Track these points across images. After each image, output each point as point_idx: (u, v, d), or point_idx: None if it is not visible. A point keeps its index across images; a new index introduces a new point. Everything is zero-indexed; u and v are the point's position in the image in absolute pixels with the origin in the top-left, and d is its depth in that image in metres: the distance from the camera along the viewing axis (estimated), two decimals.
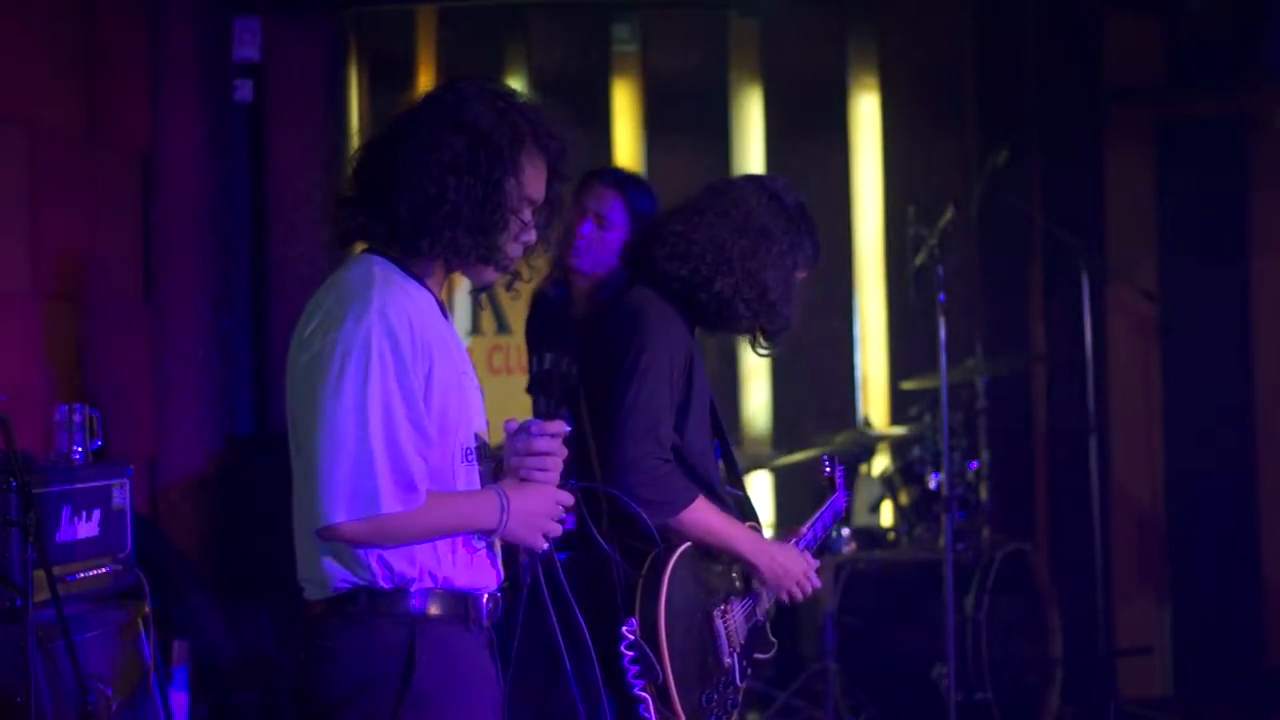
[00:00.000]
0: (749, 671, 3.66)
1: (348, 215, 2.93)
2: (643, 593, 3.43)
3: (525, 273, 3.02)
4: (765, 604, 3.71)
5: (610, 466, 3.45)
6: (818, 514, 3.95)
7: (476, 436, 2.93)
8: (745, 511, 3.77)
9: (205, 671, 5.51)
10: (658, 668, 3.38)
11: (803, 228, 3.72)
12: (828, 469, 4.11)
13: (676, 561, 3.48)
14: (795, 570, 3.67)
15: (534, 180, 2.93)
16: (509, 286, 3.05)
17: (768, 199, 3.69)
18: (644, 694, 3.36)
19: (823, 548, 6.41)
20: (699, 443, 3.64)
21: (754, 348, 3.79)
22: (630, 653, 3.36)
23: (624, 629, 3.32)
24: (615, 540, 3.44)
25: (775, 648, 3.77)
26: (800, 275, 3.74)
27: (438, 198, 2.84)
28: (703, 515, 3.52)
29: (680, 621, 3.47)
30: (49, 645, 3.81)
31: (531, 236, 2.95)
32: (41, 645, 3.75)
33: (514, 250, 2.94)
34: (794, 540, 3.81)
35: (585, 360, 3.73)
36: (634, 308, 3.61)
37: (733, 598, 3.61)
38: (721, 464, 3.78)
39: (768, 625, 3.73)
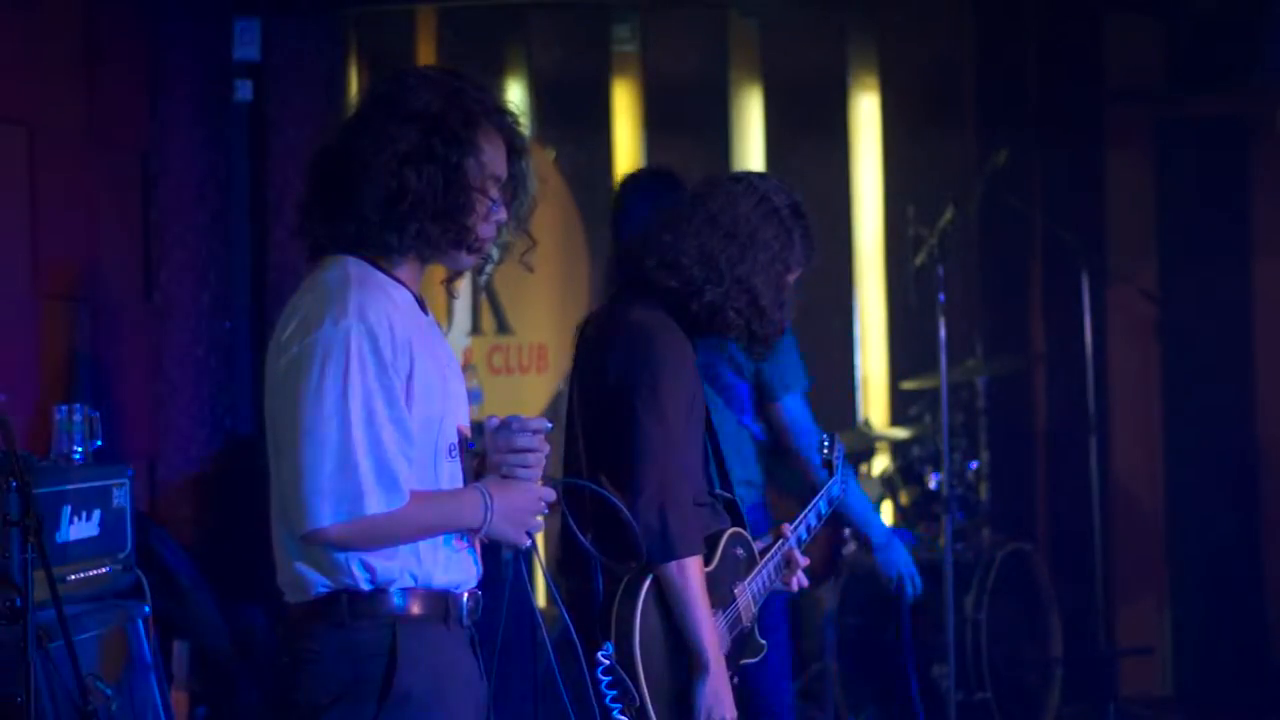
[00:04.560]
0: (735, 679, 3.63)
1: (313, 225, 2.92)
2: (617, 615, 3.39)
3: (495, 254, 3.00)
4: (750, 609, 3.67)
5: (634, 497, 3.39)
6: (810, 506, 3.91)
7: (459, 432, 2.93)
8: (733, 516, 3.74)
9: (205, 671, 5.51)
10: (634, 692, 3.36)
11: (794, 228, 3.64)
12: (827, 449, 4.03)
13: (652, 582, 3.44)
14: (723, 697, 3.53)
15: (494, 157, 2.90)
16: (480, 271, 3.03)
17: (757, 201, 3.62)
18: (622, 717, 3.34)
19: None
20: (694, 458, 3.60)
21: (748, 353, 3.76)
22: (606, 677, 3.33)
23: (599, 654, 3.29)
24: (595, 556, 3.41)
25: (765, 649, 3.73)
26: (792, 276, 3.68)
27: (400, 191, 2.82)
28: (695, 575, 3.45)
29: (657, 642, 3.43)
30: (49, 645, 3.80)
31: (503, 215, 2.93)
32: (41, 645, 3.75)
33: (486, 231, 2.92)
34: (782, 541, 3.77)
35: (581, 368, 3.68)
36: (642, 327, 3.55)
37: (715, 609, 3.55)
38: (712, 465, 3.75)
39: (755, 629, 3.69)
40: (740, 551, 3.68)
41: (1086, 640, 6.67)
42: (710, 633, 3.46)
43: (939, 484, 6.42)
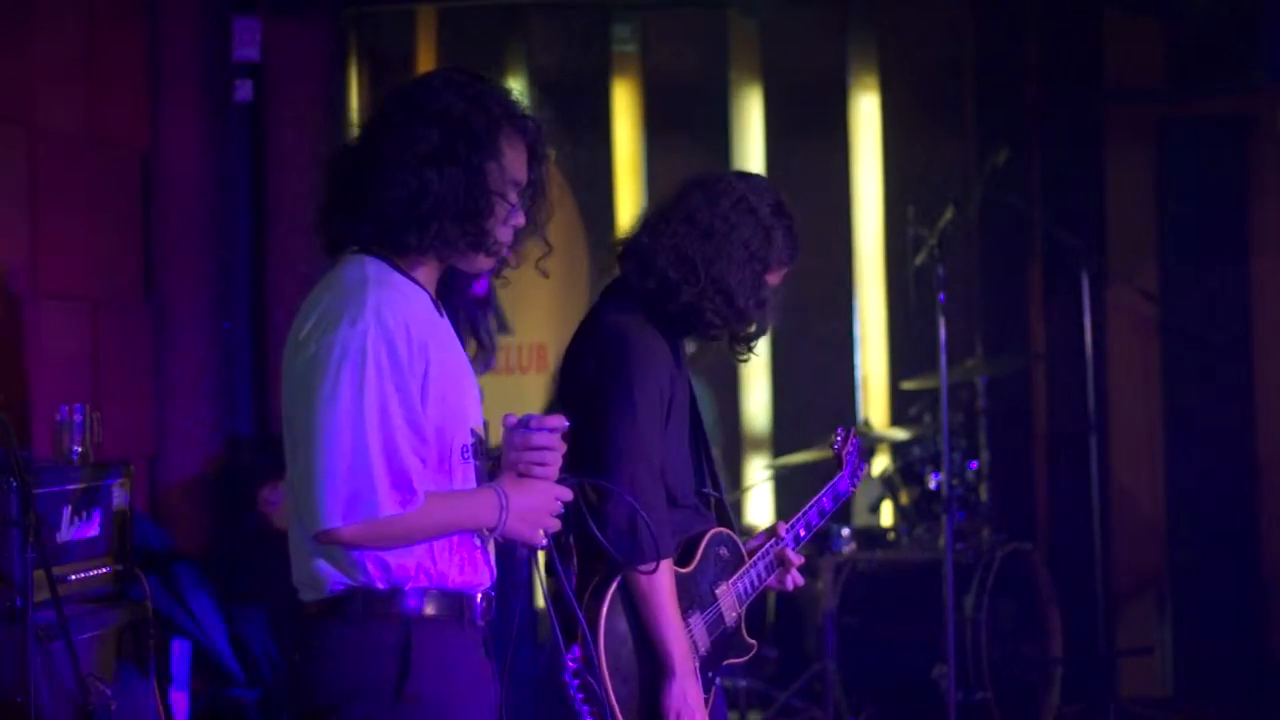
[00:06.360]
0: (716, 681, 3.61)
1: (332, 222, 2.92)
2: (584, 618, 3.37)
3: (513, 259, 3.00)
4: (734, 610, 3.65)
5: (604, 498, 3.38)
6: (812, 501, 3.87)
7: (473, 433, 2.93)
8: (721, 515, 3.72)
9: (205, 671, 5.52)
10: (601, 696, 3.36)
11: (774, 225, 3.61)
12: (839, 442, 3.97)
13: (619, 584, 3.43)
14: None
15: (515, 161, 2.91)
16: (496, 274, 3.03)
17: (735, 200, 3.60)
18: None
19: (823, 547, 6.46)
20: (677, 459, 3.60)
21: (731, 355, 3.73)
22: (574, 680, 3.33)
23: (566, 657, 3.30)
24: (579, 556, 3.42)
25: (754, 649, 3.70)
26: (775, 276, 3.65)
27: (420, 190, 2.83)
28: (661, 578, 3.43)
29: (625, 645, 3.43)
30: (49, 645, 3.80)
31: (520, 219, 2.94)
32: (41, 645, 3.75)
33: (504, 235, 2.92)
34: (775, 540, 3.75)
35: (561, 370, 3.69)
36: (616, 329, 3.55)
37: (692, 610, 3.55)
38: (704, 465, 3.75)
39: (741, 629, 3.67)
40: (724, 551, 3.66)
41: (1086, 640, 6.67)
42: (677, 636, 3.45)
43: (939, 484, 6.41)
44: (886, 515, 6.88)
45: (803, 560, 3.76)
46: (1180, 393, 7.32)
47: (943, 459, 6.17)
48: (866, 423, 7.10)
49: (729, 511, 3.75)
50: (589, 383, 3.52)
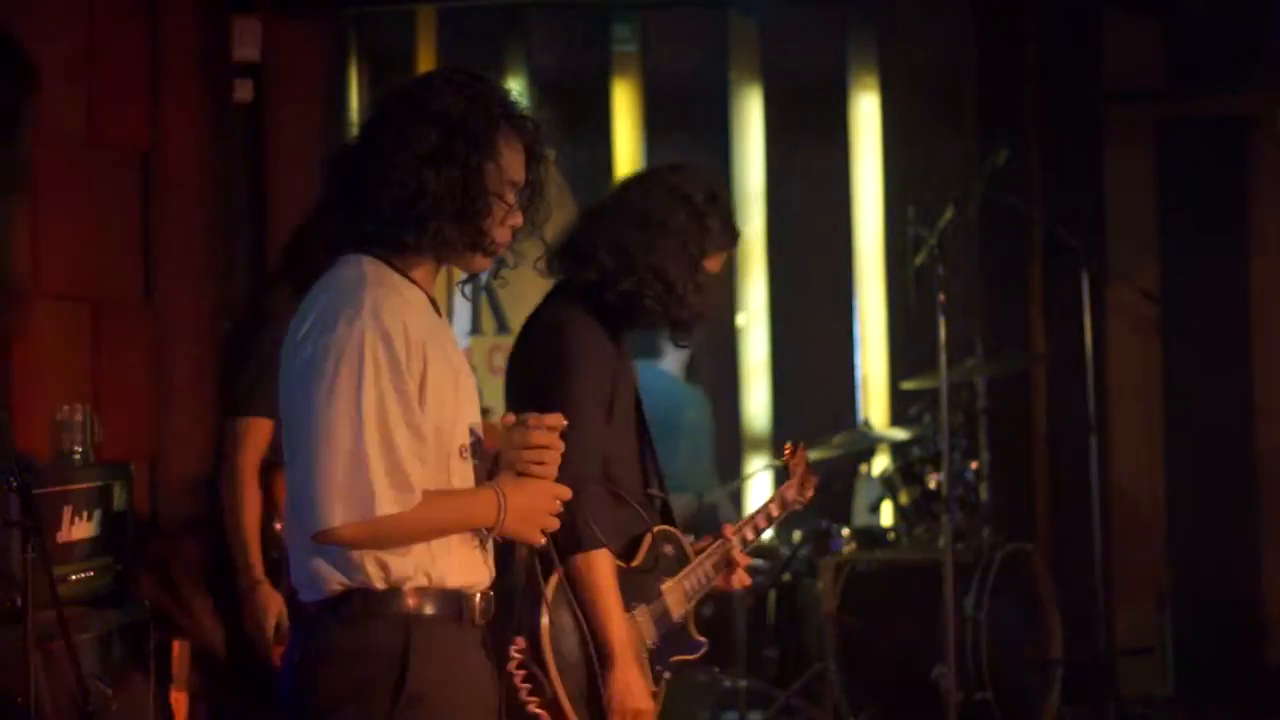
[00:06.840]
0: (666, 675, 3.64)
1: (332, 222, 2.93)
2: (526, 609, 3.40)
3: (510, 259, 3.02)
4: (681, 605, 3.69)
5: None
6: (759, 507, 3.93)
7: (472, 432, 2.93)
8: (665, 514, 3.76)
9: (205, 671, 5.51)
10: (547, 685, 3.36)
11: (709, 212, 3.71)
12: (788, 454, 4.05)
13: (560, 575, 3.45)
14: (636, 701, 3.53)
15: (513, 162, 2.92)
16: (494, 274, 3.05)
17: (667, 190, 3.70)
18: (539, 711, 3.35)
19: (822, 548, 6.46)
20: (622, 451, 3.65)
21: (674, 341, 3.81)
22: (521, 671, 3.33)
23: (511, 649, 3.30)
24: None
25: (704, 647, 3.75)
26: (712, 262, 3.74)
27: (418, 191, 2.83)
28: (601, 568, 3.47)
29: (567, 635, 3.46)
30: (49, 645, 3.80)
31: (518, 220, 2.95)
32: (41, 645, 3.75)
33: (502, 235, 2.93)
34: (722, 540, 3.79)
35: (508, 368, 3.75)
36: (555, 325, 3.63)
37: (637, 604, 3.59)
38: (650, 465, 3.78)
39: (689, 626, 3.71)
40: (669, 549, 3.72)
41: (1086, 640, 6.67)
42: (617, 626, 3.49)
43: (939, 484, 6.41)
44: (886, 515, 6.88)
45: (749, 561, 3.85)
46: (1180, 393, 7.33)
47: (943, 459, 6.18)
48: (866, 422, 7.10)
49: (672, 512, 3.80)
50: (531, 376, 3.61)
